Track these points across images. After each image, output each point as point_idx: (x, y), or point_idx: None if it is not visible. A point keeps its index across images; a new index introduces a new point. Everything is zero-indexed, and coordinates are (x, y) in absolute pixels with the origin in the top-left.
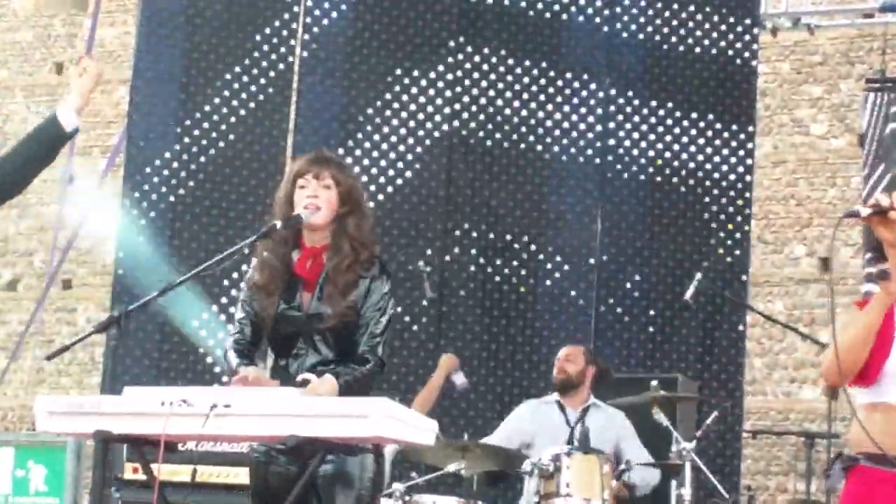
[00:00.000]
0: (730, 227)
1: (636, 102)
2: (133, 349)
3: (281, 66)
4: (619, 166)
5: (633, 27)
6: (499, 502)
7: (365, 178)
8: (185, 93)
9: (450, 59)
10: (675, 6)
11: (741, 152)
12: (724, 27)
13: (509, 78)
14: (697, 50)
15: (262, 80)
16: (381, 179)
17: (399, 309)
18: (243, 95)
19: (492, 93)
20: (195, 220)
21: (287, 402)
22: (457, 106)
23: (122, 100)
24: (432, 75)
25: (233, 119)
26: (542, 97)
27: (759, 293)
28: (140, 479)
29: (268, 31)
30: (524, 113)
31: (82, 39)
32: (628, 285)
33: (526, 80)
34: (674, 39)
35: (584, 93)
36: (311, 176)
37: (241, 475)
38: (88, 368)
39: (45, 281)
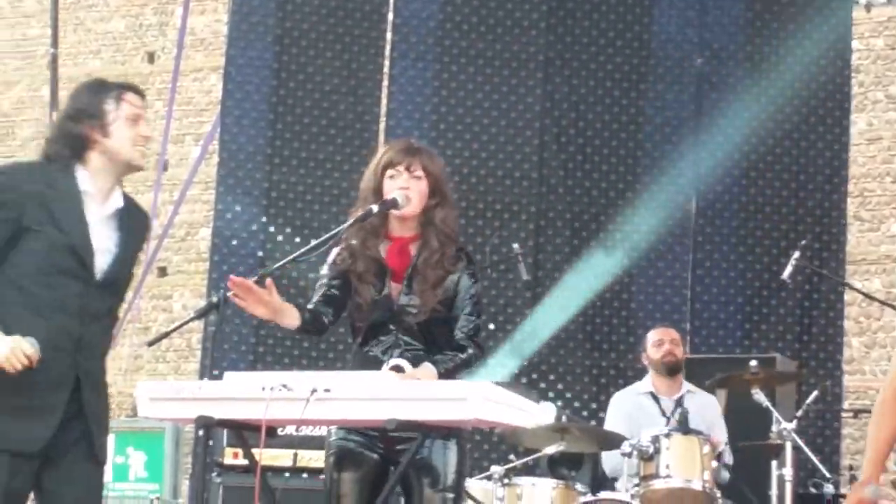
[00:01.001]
0: (826, 205)
1: (730, 80)
2: (230, 335)
3: (372, 50)
4: (713, 146)
5: (726, 4)
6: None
7: (458, 161)
8: (278, 79)
9: (541, 40)
10: None
11: (836, 130)
12: (817, 3)
13: (601, 58)
14: (791, 27)
15: (354, 65)
16: (474, 162)
17: (493, 292)
18: (335, 81)
19: (583, 72)
20: (289, 205)
21: (387, 385)
22: (548, 87)
23: (213, 87)
24: (523, 56)
25: (325, 104)
26: (634, 76)
27: (857, 271)
28: (240, 463)
29: (358, 15)
30: (616, 93)
31: (174, 28)
32: (724, 265)
33: (618, 59)
34: (767, 17)
35: (677, 71)
36: (403, 167)
37: None
38: (185, 354)
39: (142, 268)
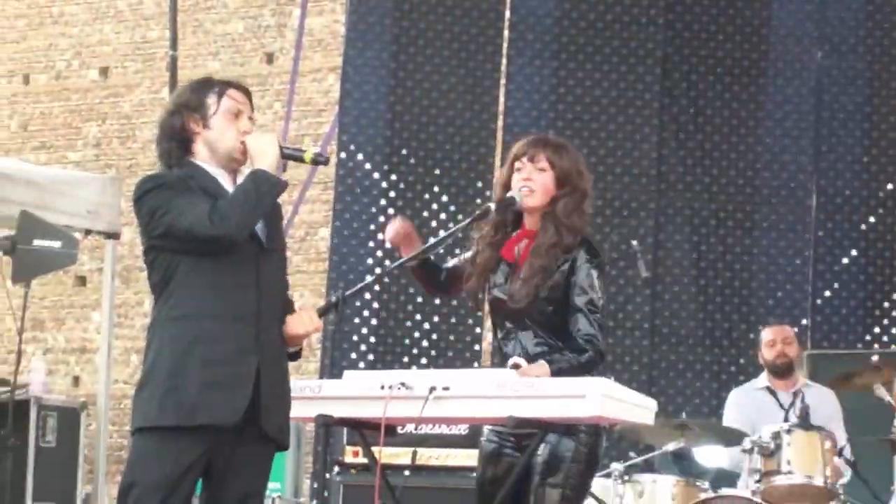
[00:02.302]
0: None
1: (850, 74)
2: (349, 334)
3: (489, 48)
4: (834, 139)
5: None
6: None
7: None
8: (395, 78)
9: (658, 36)
10: None
11: None
12: None
13: (720, 53)
14: None
15: (471, 64)
16: (592, 159)
17: (613, 289)
18: (452, 79)
19: (702, 68)
20: (408, 204)
21: (505, 383)
22: (666, 83)
23: (331, 88)
24: (641, 52)
25: (443, 103)
26: (753, 71)
27: None
28: (360, 462)
29: (475, 14)
30: (735, 88)
31: (292, 29)
32: (845, 260)
33: (737, 54)
34: (887, 9)
35: (797, 65)
36: (527, 159)
37: (460, 457)
38: (305, 354)
39: None
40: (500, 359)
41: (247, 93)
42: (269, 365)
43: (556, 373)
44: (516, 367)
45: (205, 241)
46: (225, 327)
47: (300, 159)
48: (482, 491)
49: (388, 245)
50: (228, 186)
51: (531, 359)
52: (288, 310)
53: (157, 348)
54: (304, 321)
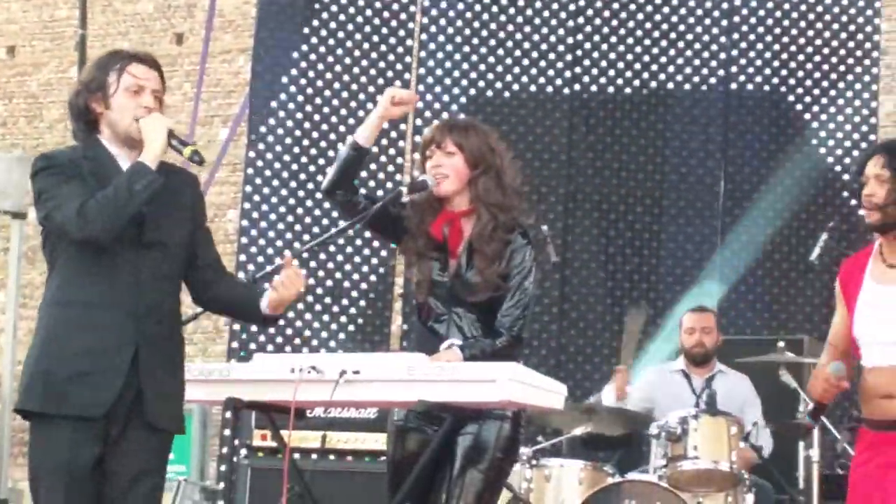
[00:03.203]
0: (854, 186)
1: (757, 61)
2: None
3: (402, 32)
4: (741, 126)
5: None
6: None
7: None
8: (307, 61)
9: (570, 23)
10: None
11: (864, 111)
12: None
13: (630, 40)
14: (819, 8)
15: (383, 47)
16: (503, 144)
17: None
18: (364, 62)
19: (612, 55)
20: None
21: (415, 367)
22: (576, 69)
23: (241, 69)
24: (552, 39)
25: (354, 86)
26: (662, 59)
27: None
28: (269, 445)
29: None
30: (645, 76)
31: (202, 9)
32: (752, 247)
33: (647, 41)
34: (785, 6)
35: (705, 53)
36: (435, 145)
37: (369, 441)
38: (212, 336)
39: None
40: (423, 340)
41: (153, 65)
42: (153, 355)
43: (469, 359)
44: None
45: (74, 239)
46: (101, 316)
47: (179, 152)
48: (394, 469)
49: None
50: (127, 167)
51: (467, 339)
52: (241, 291)
53: (36, 332)
54: (294, 281)
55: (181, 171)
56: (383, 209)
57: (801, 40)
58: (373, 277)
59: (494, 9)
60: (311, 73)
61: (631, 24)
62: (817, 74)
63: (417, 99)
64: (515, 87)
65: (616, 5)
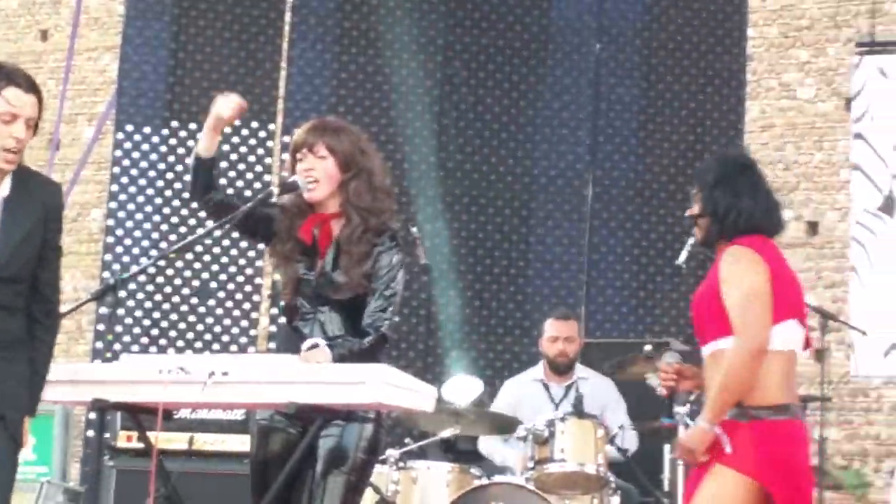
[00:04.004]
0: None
1: (626, 66)
2: (124, 317)
3: (271, 31)
4: (610, 130)
5: None
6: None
7: None
8: (175, 59)
9: (440, 24)
10: None
11: (731, 116)
12: None
13: (500, 42)
14: (687, 14)
15: (252, 46)
16: (373, 145)
17: None
18: (233, 61)
19: (482, 57)
20: (186, 187)
21: (285, 369)
22: (447, 70)
23: (108, 67)
24: (422, 40)
25: (223, 85)
26: (532, 61)
27: None
28: (135, 447)
29: None
30: (515, 78)
31: (67, 6)
32: (619, 250)
33: (517, 44)
34: (664, 3)
35: (576, 56)
36: (307, 149)
37: (236, 442)
38: (75, 336)
39: None
40: (288, 340)
41: (31, 89)
42: None
43: (339, 358)
44: (315, 347)
45: None
46: None
47: None
48: (257, 469)
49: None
50: None
51: (329, 340)
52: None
53: None
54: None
55: (39, 182)
56: (253, 210)
57: (671, 45)
58: (240, 278)
59: (365, 8)
60: (178, 72)
61: (501, 25)
62: (685, 79)
63: (247, 106)
64: (386, 87)
65: (487, 7)
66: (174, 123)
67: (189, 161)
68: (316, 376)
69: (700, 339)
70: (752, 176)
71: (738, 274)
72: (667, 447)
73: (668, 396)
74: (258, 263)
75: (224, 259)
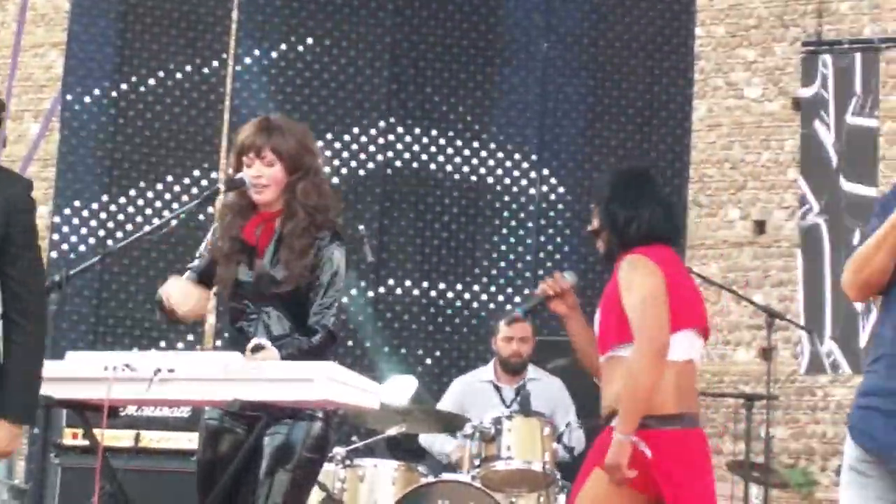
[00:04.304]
0: (667, 190)
1: (574, 65)
2: (70, 314)
3: (218, 28)
4: (557, 129)
5: None
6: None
7: None
8: (121, 56)
9: (388, 22)
10: None
11: (679, 115)
12: None
13: (448, 41)
14: (635, 12)
15: (199, 44)
16: (320, 143)
17: None
18: (180, 58)
19: (430, 55)
20: (132, 184)
21: (231, 366)
22: (395, 69)
23: (54, 63)
24: (370, 38)
25: (170, 82)
26: (480, 60)
27: (695, 255)
28: (80, 444)
29: (202, 10)
30: (463, 76)
31: (13, 2)
32: (567, 248)
33: (465, 42)
34: (611, 2)
35: (524, 54)
36: (254, 154)
37: (182, 440)
38: None
39: None
40: (236, 340)
41: None
42: None
43: (286, 358)
44: (258, 347)
45: None
46: None
47: None
48: (204, 469)
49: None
50: None
51: (275, 339)
52: None
53: None
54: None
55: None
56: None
57: (618, 43)
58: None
59: (312, 6)
60: (125, 69)
61: (449, 24)
62: (633, 77)
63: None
64: (333, 84)
65: (435, 5)
66: (120, 120)
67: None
68: (262, 374)
69: (601, 349)
70: (648, 186)
71: (636, 280)
72: None
73: (539, 298)
74: None
75: (170, 255)
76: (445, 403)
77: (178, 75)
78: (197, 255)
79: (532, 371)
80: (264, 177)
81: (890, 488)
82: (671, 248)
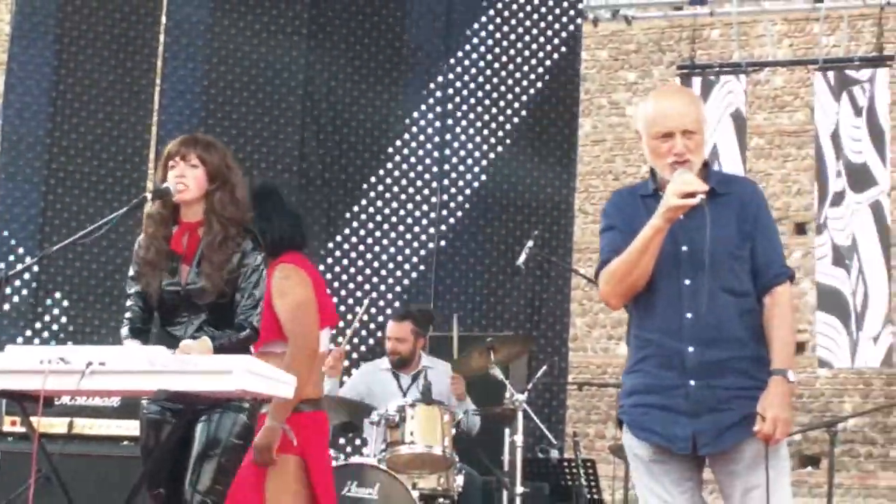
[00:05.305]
0: (556, 199)
1: (472, 86)
2: (9, 312)
3: (146, 50)
4: (456, 144)
5: (469, 16)
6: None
7: None
8: (58, 75)
9: (302, 45)
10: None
11: (566, 131)
12: (550, 18)
13: (357, 63)
14: (527, 38)
15: (129, 64)
16: (240, 155)
17: None
18: (111, 77)
19: (341, 76)
20: (67, 192)
21: (156, 359)
22: (308, 87)
23: None
24: (286, 59)
25: (101, 99)
26: (389, 78)
27: (581, 259)
28: (18, 431)
29: (134, 18)
30: (370, 94)
31: None
32: (465, 252)
33: (372, 64)
34: (506, 29)
35: (433, 69)
36: (179, 158)
37: (112, 427)
38: None
39: None
40: (166, 343)
41: None
42: None
43: (218, 349)
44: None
45: None
46: None
47: None
48: (147, 456)
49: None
50: None
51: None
52: None
53: None
54: None
55: None
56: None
57: (505, 58)
58: (118, 276)
59: (232, 30)
60: (61, 87)
61: (357, 47)
62: (524, 98)
63: None
64: (251, 101)
65: (346, 29)
66: (56, 134)
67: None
68: (185, 366)
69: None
70: (275, 199)
71: (291, 287)
72: (507, 430)
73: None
74: None
75: (111, 251)
76: (349, 389)
77: (110, 93)
78: (130, 274)
79: (426, 359)
80: (187, 177)
81: (689, 468)
82: (301, 254)
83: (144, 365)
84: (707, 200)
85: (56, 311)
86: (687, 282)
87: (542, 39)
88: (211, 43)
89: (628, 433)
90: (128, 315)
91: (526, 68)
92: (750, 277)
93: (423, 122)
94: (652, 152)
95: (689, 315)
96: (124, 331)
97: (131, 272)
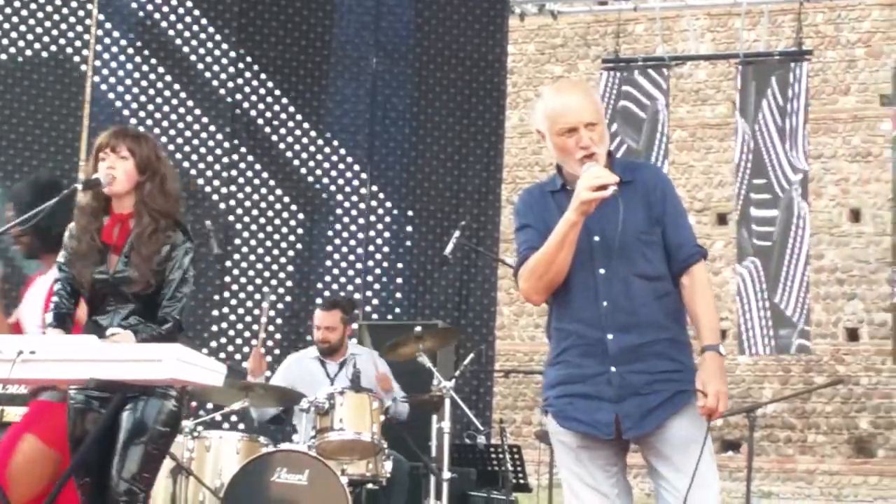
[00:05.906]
0: (483, 189)
1: (401, 78)
2: None
3: (78, 43)
4: (385, 135)
5: (399, 10)
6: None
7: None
8: None
9: (233, 39)
10: None
11: (493, 123)
12: (478, 12)
13: (287, 56)
14: (454, 32)
15: (61, 56)
16: (171, 147)
17: None
18: (43, 69)
19: (270, 69)
20: (0, 183)
21: (88, 348)
22: (238, 80)
23: None
24: (216, 52)
25: (34, 91)
26: (316, 73)
27: (508, 248)
28: None
29: (66, 11)
30: (301, 88)
31: None
32: (394, 242)
33: (303, 58)
34: (433, 22)
35: (355, 69)
36: (109, 149)
37: None
38: None
39: None
40: (93, 332)
41: None
42: None
43: (141, 342)
44: (116, 333)
45: None
46: None
47: None
48: (74, 445)
49: None
50: None
51: (130, 328)
52: None
53: None
54: None
55: None
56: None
57: (439, 59)
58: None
59: (164, 24)
60: None
61: (287, 40)
62: (452, 90)
63: None
64: (183, 94)
65: (275, 24)
66: None
67: None
68: (116, 355)
69: None
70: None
71: None
72: (434, 417)
73: None
74: None
75: None
76: (279, 378)
77: (42, 85)
78: (59, 260)
79: (353, 347)
80: (117, 168)
81: (615, 454)
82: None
83: (76, 353)
84: (619, 190)
85: None
86: (602, 271)
87: (469, 33)
88: (142, 36)
89: (553, 422)
90: (54, 299)
91: (453, 61)
92: (663, 261)
93: (352, 115)
94: (558, 149)
95: (605, 303)
96: (48, 316)
97: (60, 258)
